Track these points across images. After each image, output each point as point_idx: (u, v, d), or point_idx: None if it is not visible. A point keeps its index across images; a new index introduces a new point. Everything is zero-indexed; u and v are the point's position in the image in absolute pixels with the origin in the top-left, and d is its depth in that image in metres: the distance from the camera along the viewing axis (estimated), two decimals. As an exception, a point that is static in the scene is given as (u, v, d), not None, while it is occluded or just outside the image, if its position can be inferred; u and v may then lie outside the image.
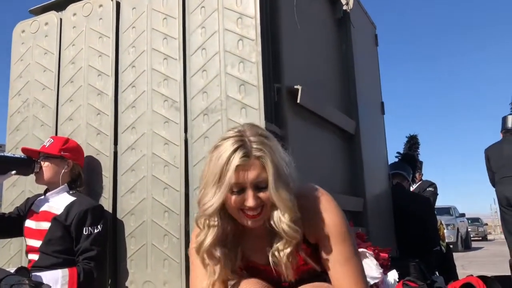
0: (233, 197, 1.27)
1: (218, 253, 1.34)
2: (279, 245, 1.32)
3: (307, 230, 1.36)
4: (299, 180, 1.36)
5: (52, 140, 2.39)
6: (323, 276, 1.43)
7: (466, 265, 9.19)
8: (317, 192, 1.41)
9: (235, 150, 1.25)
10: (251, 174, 1.25)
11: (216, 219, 1.31)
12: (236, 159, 1.24)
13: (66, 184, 2.35)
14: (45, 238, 2.23)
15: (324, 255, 1.35)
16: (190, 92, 2.33)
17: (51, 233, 2.23)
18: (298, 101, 2.33)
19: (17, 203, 2.64)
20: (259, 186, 1.27)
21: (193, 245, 1.44)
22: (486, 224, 25.61)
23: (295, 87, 2.33)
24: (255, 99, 2.16)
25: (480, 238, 22.57)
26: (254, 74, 2.18)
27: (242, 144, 1.26)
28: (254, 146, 1.27)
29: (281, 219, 1.29)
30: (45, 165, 2.34)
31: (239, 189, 1.27)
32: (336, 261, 1.33)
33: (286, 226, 1.29)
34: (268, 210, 1.31)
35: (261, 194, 1.27)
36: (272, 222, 1.31)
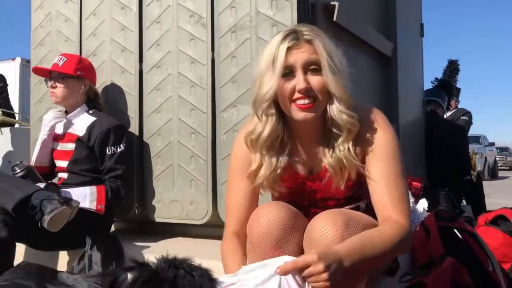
0: (285, 84, 1.27)
1: (274, 151, 1.36)
2: (340, 140, 1.31)
3: (357, 145, 1.34)
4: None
5: (66, 59, 2.27)
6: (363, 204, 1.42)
7: (491, 193, 9.14)
8: (370, 107, 1.39)
9: (285, 37, 1.28)
10: (302, 55, 1.26)
11: (273, 108, 1.32)
12: (286, 42, 1.26)
13: (84, 104, 2.31)
14: (72, 158, 2.23)
15: (369, 171, 1.33)
16: (217, 7, 2.18)
17: (77, 153, 2.23)
18: (335, 19, 2.16)
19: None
20: (311, 69, 1.27)
21: (238, 148, 1.45)
22: (515, 154, 25.17)
23: (332, 3, 2.15)
24: (288, 16, 2.00)
25: (508, 168, 22.30)
26: (287, -13, 2.00)
27: (292, 31, 1.30)
28: (305, 32, 1.29)
29: (338, 108, 1.29)
30: (61, 86, 2.25)
31: (290, 71, 1.27)
32: (380, 178, 1.31)
33: (345, 115, 1.29)
34: (321, 102, 1.30)
35: (313, 78, 1.28)
36: (330, 114, 1.30)
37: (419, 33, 3.62)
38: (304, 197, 1.42)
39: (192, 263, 1.03)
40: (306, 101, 1.27)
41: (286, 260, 1.15)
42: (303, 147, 1.40)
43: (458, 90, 5.00)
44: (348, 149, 1.31)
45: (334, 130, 1.32)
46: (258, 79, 1.32)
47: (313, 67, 1.27)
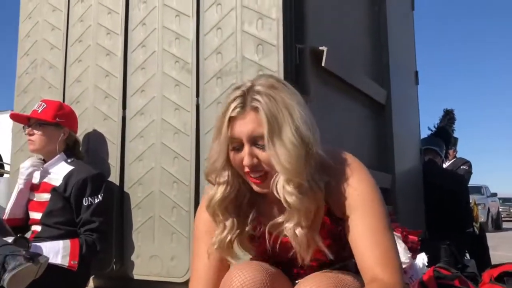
0: (234, 155, 1.13)
1: (230, 213, 1.18)
2: (293, 223, 1.10)
3: (332, 200, 1.15)
4: (324, 144, 1.15)
5: (45, 105, 2.19)
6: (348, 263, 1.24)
7: (497, 246, 8.87)
8: (345, 156, 1.19)
9: (232, 101, 1.12)
10: (246, 128, 1.10)
11: (226, 174, 1.16)
12: (230, 110, 1.11)
13: (62, 152, 2.20)
14: (46, 209, 2.10)
15: (350, 229, 1.13)
16: (203, 53, 2.12)
17: (51, 204, 2.10)
18: (323, 64, 2.09)
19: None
20: (257, 142, 1.10)
21: (201, 213, 1.27)
22: (519, 205, 24.81)
23: (320, 48, 2.09)
24: (274, 61, 1.93)
25: (512, 219, 21.92)
26: (273, 32, 1.95)
27: (242, 94, 1.12)
28: (255, 95, 1.10)
29: (283, 186, 1.08)
30: (39, 133, 2.16)
31: (238, 144, 1.12)
32: (360, 234, 1.10)
33: (288, 195, 1.08)
34: (273, 175, 1.11)
35: (259, 153, 1.10)
36: (274, 190, 1.11)
37: (413, 81, 3.58)
38: (282, 257, 1.24)
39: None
40: (257, 175, 1.12)
41: None
42: (271, 204, 1.22)
43: (456, 139, 4.92)
44: (306, 232, 1.10)
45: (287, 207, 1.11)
46: (212, 141, 1.17)
47: (259, 141, 1.10)
